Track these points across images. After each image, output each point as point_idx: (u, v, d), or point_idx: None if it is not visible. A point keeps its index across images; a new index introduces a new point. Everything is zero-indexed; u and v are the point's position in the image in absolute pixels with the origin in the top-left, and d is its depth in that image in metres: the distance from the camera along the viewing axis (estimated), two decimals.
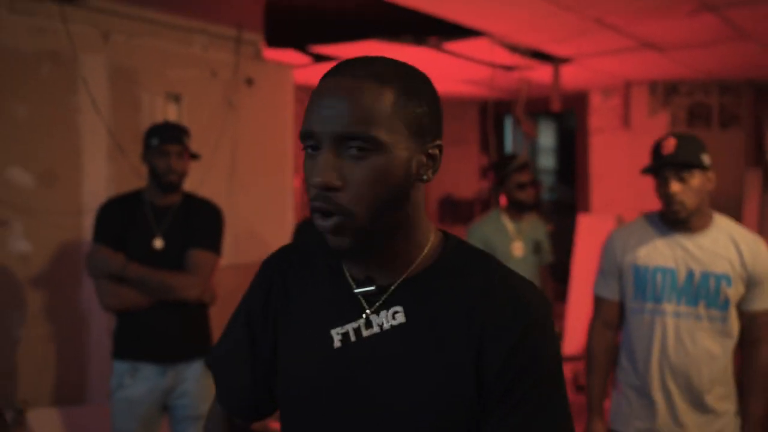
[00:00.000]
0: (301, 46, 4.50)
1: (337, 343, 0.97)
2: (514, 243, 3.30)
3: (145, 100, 3.31)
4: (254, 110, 3.82)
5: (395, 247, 0.96)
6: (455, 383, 0.91)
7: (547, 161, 8.78)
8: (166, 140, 2.49)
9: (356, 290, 0.97)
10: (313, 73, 5.21)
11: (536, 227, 3.46)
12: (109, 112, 3.15)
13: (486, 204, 7.01)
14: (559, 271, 4.83)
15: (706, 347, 2.08)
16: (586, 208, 6.37)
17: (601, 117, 6.17)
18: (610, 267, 2.24)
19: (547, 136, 8.67)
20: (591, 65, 4.99)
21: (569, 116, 7.45)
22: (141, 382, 2.49)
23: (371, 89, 0.89)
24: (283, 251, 1.10)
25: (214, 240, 2.61)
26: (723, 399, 2.12)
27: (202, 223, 2.60)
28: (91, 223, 2.61)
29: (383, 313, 0.96)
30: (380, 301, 0.96)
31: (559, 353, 0.97)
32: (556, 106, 4.82)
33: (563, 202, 7.67)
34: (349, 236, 0.89)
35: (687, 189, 2.03)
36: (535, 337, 0.92)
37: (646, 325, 2.15)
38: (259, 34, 3.92)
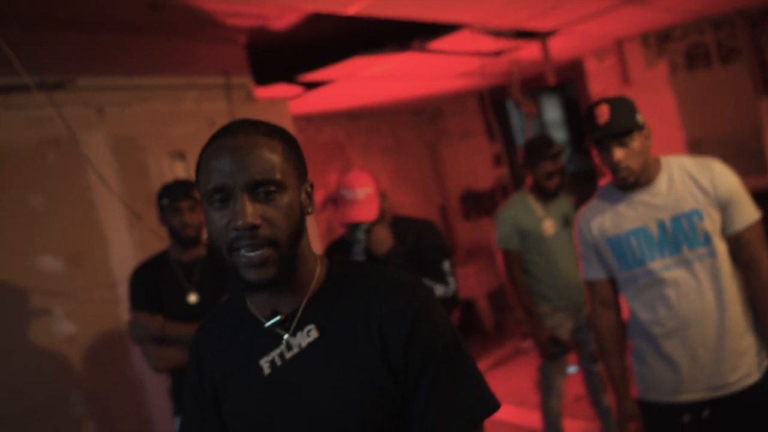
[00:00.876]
0: (289, 77, 4.56)
1: (266, 371, 1.12)
2: (545, 222, 3.30)
3: (151, 163, 3.38)
4: None
5: (298, 275, 1.12)
6: (371, 379, 1.06)
7: (557, 135, 8.71)
8: (176, 198, 2.56)
9: (267, 324, 1.12)
10: (308, 101, 5.27)
11: (562, 202, 3.45)
12: (119, 183, 3.22)
13: (505, 190, 6.98)
14: None
15: (709, 289, 2.04)
16: (603, 174, 6.32)
17: (600, 80, 6.13)
18: (587, 249, 2.23)
19: (552, 110, 8.61)
20: (578, 32, 4.97)
21: (570, 87, 7.41)
22: None
23: (264, 143, 1.08)
24: (199, 328, 1.28)
25: None
26: (744, 334, 2.07)
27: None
28: (125, 292, 2.68)
29: (299, 333, 1.11)
30: (294, 324, 1.12)
31: (450, 321, 1.13)
32: (551, 80, 4.80)
33: (582, 173, 7.61)
34: (274, 266, 1.05)
35: (630, 153, 2.04)
36: (428, 315, 1.08)
37: (643, 291, 2.11)
38: (247, 76, 3.98)
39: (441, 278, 2.51)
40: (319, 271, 1.16)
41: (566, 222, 3.45)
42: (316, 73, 4.51)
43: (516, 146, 6.96)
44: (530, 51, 5.02)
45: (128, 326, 2.60)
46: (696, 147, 5.83)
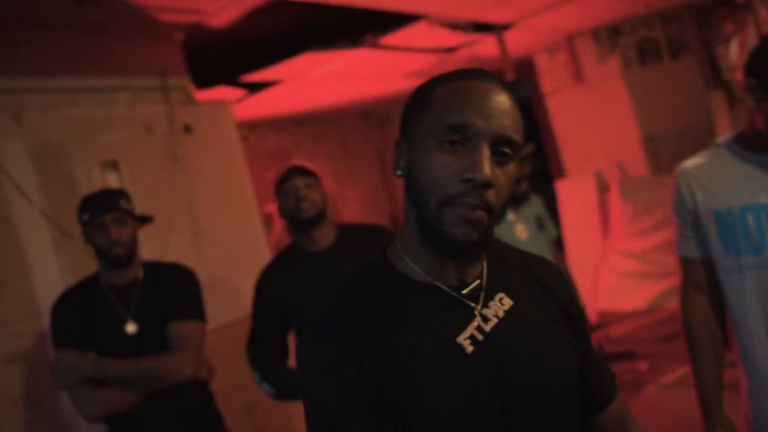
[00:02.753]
0: (232, 79, 4.21)
1: (468, 349, 0.95)
2: (517, 227, 3.06)
3: (80, 174, 2.97)
4: (201, 158, 3.51)
5: (485, 247, 1.01)
6: (568, 338, 1.05)
7: None
8: (98, 212, 2.15)
9: (464, 291, 0.98)
10: (252, 106, 4.91)
11: (533, 203, 3.22)
12: (42, 198, 2.80)
13: None
14: None
15: None
16: (561, 174, 6.17)
17: (552, 77, 5.99)
18: (684, 218, 1.67)
19: None
20: (532, 25, 4.80)
21: (520, 86, 7.27)
22: None
23: (512, 101, 0.95)
24: (337, 318, 0.95)
25: (195, 306, 2.28)
26: None
27: (176, 291, 2.26)
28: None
29: (491, 304, 1.00)
30: (483, 295, 0.99)
31: None
32: (510, 75, 4.60)
33: (536, 174, 7.48)
34: (479, 231, 0.92)
35: None
36: (565, 274, 1.20)
37: (749, 290, 1.56)
38: (185, 77, 3.61)
39: None
40: None
41: (540, 224, 3.22)
42: (261, 72, 4.17)
43: None
44: (486, 47, 4.82)
45: (52, 369, 2.16)
46: (651, 143, 5.74)
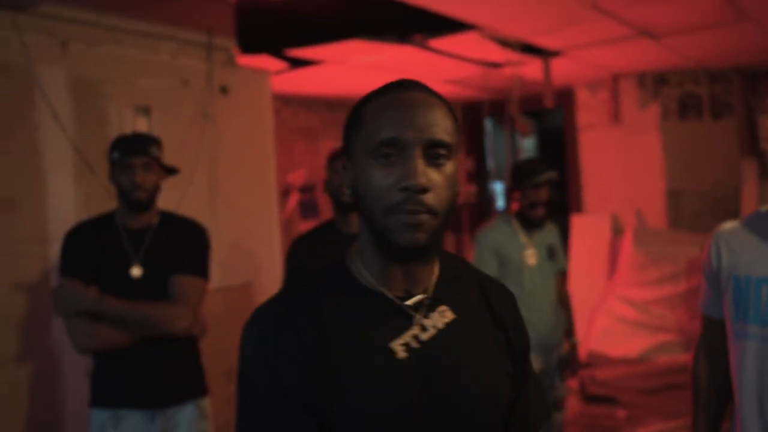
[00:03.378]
0: (276, 50, 4.22)
1: (401, 355, 0.98)
2: (527, 251, 3.04)
3: (112, 113, 2.99)
4: (232, 120, 3.53)
5: (433, 258, 1.07)
6: (505, 363, 1.07)
7: None
8: (129, 153, 2.18)
9: (407, 303, 1.02)
10: (290, 80, 4.93)
11: (549, 231, 3.20)
12: (73, 128, 2.83)
13: (474, 208, 6.76)
14: None
15: None
16: (578, 209, 6.16)
17: (589, 113, 5.97)
18: (710, 277, 1.69)
19: (528, 136, 8.49)
20: (580, 57, 4.78)
21: (551, 115, 7.25)
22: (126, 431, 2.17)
23: (441, 104, 1.01)
24: (306, 299, 1.02)
25: (201, 263, 2.30)
26: None
27: (186, 246, 2.29)
28: (58, 252, 2.28)
29: (433, 315, 1.03)
30: (425, 305, 1.02)
31: None
32: (549, 102, 4.59)
33: (552, 203, 7.47)
34: (427, 233, 0.96)
35: None
36: (516, 305, 1.17)
37: (750, 358, 1.58)
38: (232, 39, 3.63)
39: None
40: (437, 261, 1.09)
41: (550, 253, 3.19)
42: (306, 50, 4.19)
43: (485, 165, 6.76)
44: (529, 70, 4.81)
45: (54, 295, 2.20)
46: (674, 197, 5.72)
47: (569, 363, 3.28)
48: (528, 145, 8.57)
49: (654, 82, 5.68)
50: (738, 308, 1.60)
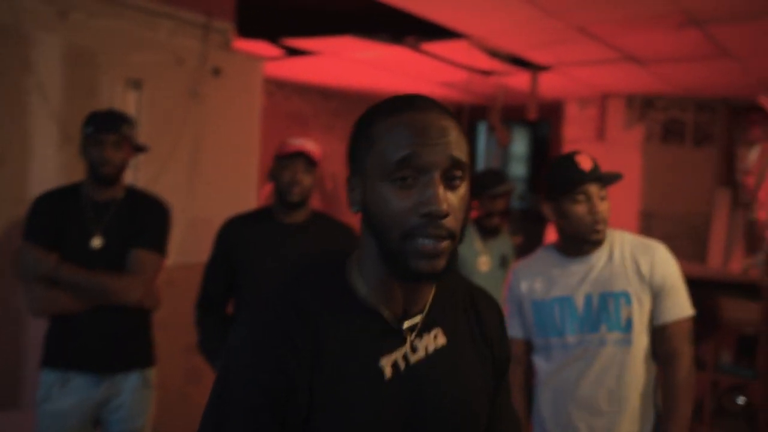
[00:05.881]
0: (273, 37, 4.32)
1: (388, 374, 0.98)
2: (481, 257, 3.18)
3: (104, 85, 3.10)
4: (220, 102, 3.63)
5: (448, 272, 1.00)
6: (489, 379, 1.09)
7: (518, 169, 8.70)
8: (101, 129, 2.29)
9: (406, 324, 1.01)
10: (285, 66, 5.03)
11: (503, 240, 3.34)
12: (61, 97, 2.93)
13: None
14: None
15: (612, 377, 1.96)
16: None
17: (576, 127, 6.10)
18: (512, 305, 2.12)
19: (520, 144, 8.60)
20: (570, 74, 4.90)
21: (543, 125, 7.38)
22: (71, 393, 2.29)
23: (455, 124, 0.97)
24: (287, 308, 0.97)
25: (159, 239, 2.42)
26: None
27: (147, 221, 2.40)
28: None
29: (425, 336, 1.02)
30: (418, 327, 1.02)
31: None
32: (532, 114, 4.71)
33: (533, 211, 7.60)
34: (445, 259, 0.94)
35: (607, 207, 1.94)
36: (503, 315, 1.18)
37: (556, 361, 2.03)
38: (230, 23, 3.73)
39: None
40: None
41: (503, 262, 3.33)
42: (303, 40, 4.29)
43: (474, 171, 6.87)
44: (517, 80, 4.93)
45: (15, 257, 2.30)
46: (647, 218, 5.86)
47: None
48: (519, 153, 8.69)
49: (641, 105, 5.82)
50: (539, 326, 2.04)
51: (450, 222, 0.92)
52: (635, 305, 1.93)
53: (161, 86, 3.33)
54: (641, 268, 1.95)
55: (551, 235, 5.93)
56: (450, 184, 0.94)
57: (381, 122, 0.97)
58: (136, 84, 3.24)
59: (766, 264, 5.47)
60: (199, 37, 3.55)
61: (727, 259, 5.52)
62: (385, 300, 0.99)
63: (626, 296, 1.94)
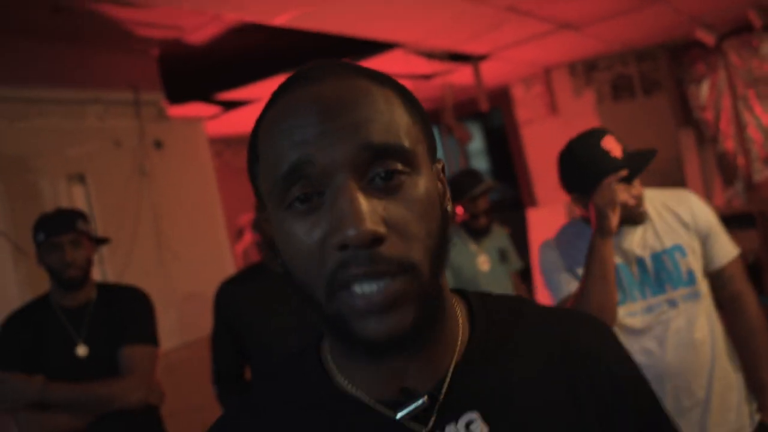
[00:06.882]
0: (205, 96, 4.20)
1: None
2: (479, 258, 3.07)
3: (45, 186, 2.94)
4: (170, 173, 3.50)
5: (442, 324, 0.65)
6: None
7: (479, 164, 8.66)
8: (54, 232, 2.11)
9: (399, 415, 0.63)
10: (227, 122, 4.91)
11: (497, 234, 3.24)
12: (3, 211, 2.76)
13: None
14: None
15: (697, 332, 1.82)
16: (532, 203, 6.24)
17: (527, 108, 6.06)
18: (557, 270, 1.92)
19: (476, 139, 8.56)
20: (509, 57, 4.86)
21: (493, 115, 7.35)
22: None
23: (375, 90, 0.63)
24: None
25: (147, 329, 2.26)
26: (732, 384, 1.84)
27: (128, 315, 2.24)
28: None
29: (450, 428, 0.64)
30: (435, 414, 0.64)
31: None
32: (483, 105, 4.65)
33: (506, 201, 7.54)
34: (412, 306, 0.58)
35: (639, 183, 1.85)
36: (629, 359, 0.75)
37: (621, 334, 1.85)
38: (159, 92, 3.61)
39: None
40: (461, 318, 0.69)
41: (502, 256, 3.23)
42: (236, 91, 4.17)
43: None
44: (461, 76, 4.87)
45: None
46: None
47: None
48: (476, 149, 8.65)
49: (585, 70, 5.81)
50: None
51: (394, 247, 0.58)
52: (690, 256, 1.85)
53: (106, 173, 3.19)
54: (683, 218, 1.86)
55: (533, 219, 5.86)
56: (382, 186, 0.60)
57: (263, 122, 0.66)
58: (80, 177, 3.09)
59: (746, 191, 5.46)
60: (131, 114, 3.42)
61: (709, 196, 5.51)
62: (367, 381, 0.66)
63: (680, 249, 1.85)
